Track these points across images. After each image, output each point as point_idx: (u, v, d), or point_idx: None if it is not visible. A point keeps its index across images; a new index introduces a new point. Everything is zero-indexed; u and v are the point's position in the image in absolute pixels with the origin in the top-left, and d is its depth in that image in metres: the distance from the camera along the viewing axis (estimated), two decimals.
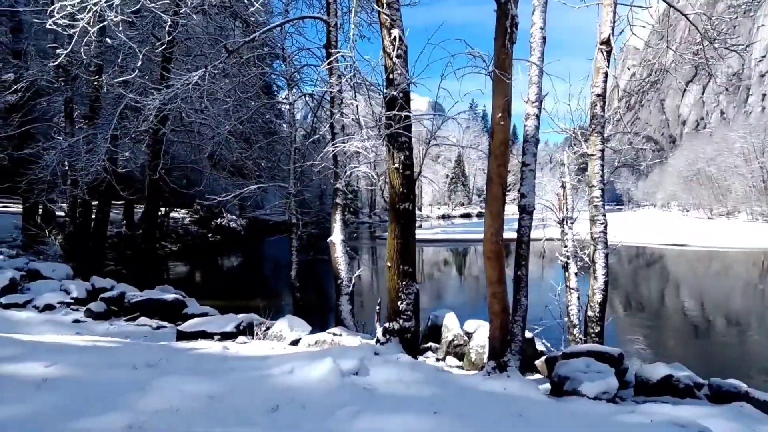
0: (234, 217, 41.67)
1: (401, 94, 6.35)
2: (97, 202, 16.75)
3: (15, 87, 15.83)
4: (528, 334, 8.45)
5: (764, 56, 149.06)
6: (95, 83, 15.03)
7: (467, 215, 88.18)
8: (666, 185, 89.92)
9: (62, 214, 18.91)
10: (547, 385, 6.32)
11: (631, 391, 6.45)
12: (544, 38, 6.57)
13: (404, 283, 6.44)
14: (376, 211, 79.45)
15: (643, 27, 9.68)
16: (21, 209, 20.32)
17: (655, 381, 6.16)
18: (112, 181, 12.82)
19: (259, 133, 14.32)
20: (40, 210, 19.42)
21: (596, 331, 7.81)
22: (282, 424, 3.86)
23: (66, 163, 13.50)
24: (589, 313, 7.91)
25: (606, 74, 8.30)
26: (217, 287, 22.30)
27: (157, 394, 4.21)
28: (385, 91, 6.49)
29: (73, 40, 6.81)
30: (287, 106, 11.81)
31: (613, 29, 8.46)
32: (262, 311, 9.87)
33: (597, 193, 8.13)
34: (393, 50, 6.36)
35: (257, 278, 23.61)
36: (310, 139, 10.01)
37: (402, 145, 6.39)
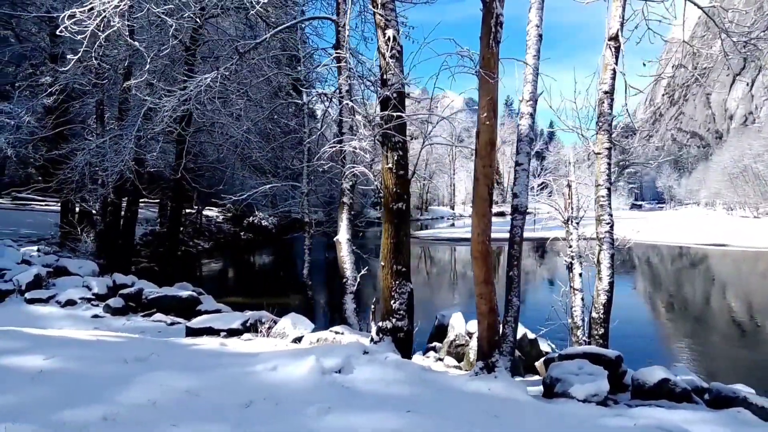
0: (266, 215, 42.64)
1: (395, 95, 6.37)
2: (126, 202, 17.41)
3: (50, 90, 16.58)
4: (531, 335, 8.40)
5: None
6: (124, 86, 15.59)
7: (501, 214, 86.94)
8: (710, 183, 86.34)
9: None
10: (541, 387, 6.25)
11: (628, 394, 6.30)
12: (540, 36, 6.48)
13: (397, 282, 6.47)
14: (430, 208, 79.62)
15: (659, 22, 9.40)
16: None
17: (652, 385, 6.00)
18: (135, 181, 13.25)
19: (280, 134, 14.56)
20: (77, 209, 20.28)
21: (600, 333, 7.66)
22: (252, 420, 3.96)
23: (93, 163, 14.04)
24: (594, 314, 7.77)
25: (614, 71, 8.11)
26: (241, 284, 22.82)
27: (139, 388, 4.38)
28: (379, 91, 6.53)
29: (94, 44, 7.08)
30: (310, 106, 12.03)
31: (622, 25, 8.28)
32: (276, 308, 10.07)
33: (603, 192, 7.97)
34: (387, 50, 6.39)
35: (280, 276, 23.97)
36: (309, 138, 10.11)
37: (395, 146, 6.42)
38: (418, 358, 7.85)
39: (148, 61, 13.58)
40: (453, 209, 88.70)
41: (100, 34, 7.78)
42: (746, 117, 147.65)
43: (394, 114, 6.22)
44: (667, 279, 25.32)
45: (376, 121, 6.56)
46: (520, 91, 6.51)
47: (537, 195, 9.42)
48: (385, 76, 6.48)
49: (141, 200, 31.53)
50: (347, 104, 8.29)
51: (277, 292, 16.81)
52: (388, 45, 6.40)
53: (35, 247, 16.66)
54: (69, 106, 17.56)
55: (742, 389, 6.17)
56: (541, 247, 33.11)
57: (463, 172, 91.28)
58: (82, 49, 7.03)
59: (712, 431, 4.86)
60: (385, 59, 6.42)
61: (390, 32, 6.39)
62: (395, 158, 6.41)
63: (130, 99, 16.32)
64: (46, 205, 32.89)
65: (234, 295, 17.10)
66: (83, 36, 7.07)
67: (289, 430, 3.83)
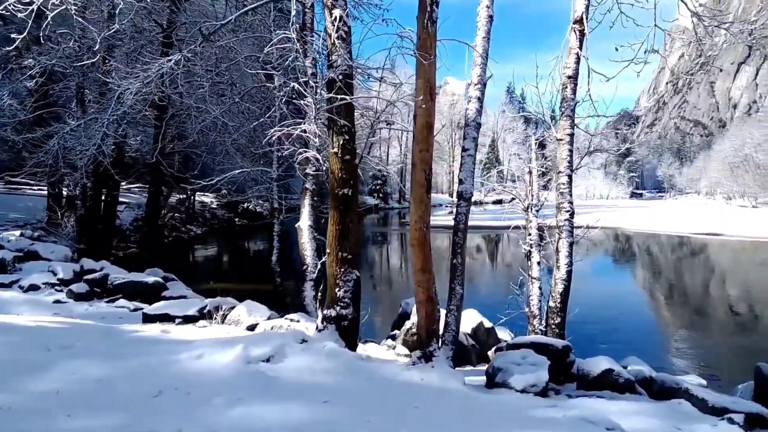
0: (256, 201, 42.53)
1: (340, 76, 6.18)
2: (107, 187, 17.28)
3: (30, 72, 16.37)
4: (487, 324, 8.30)
5: None
6: (104, 69, 15.38)
7: (500, 201, 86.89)
8: (710, 172, 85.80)
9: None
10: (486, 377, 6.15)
11: (575, 385, 6.20)
12: (491, 17, 6.28)
13: (343, 270, 6.33)
14: (407, 197, 79.31)
15: (632, 6, 9.15)
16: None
17: (596, 375, 5.90)
18: (108, 166, 13.12)
19: (254, 118, 14.37)
20: (65, 193, 20.20)
21: (557, 322, 7.55)
22: (154, 410, 3.86)
23: (68, 147, 13.90)
24: (551, 303, 7.66)
25: (578, 56, 7.90)
26: (227, 270, 22.81)
27: (50, 377, 4.29)
28: (324, 72, 6.35)
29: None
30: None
31: (587, 7, 8.04)
32: (248, 295, 10.01)
33: (564, 179, 7.80)
34: (333, 31, 6.18)
35: (265, 262, 23.95)
36: (279, 125, 9.91)
37: (341, 129, 6.24)
38: (372, 347, 7.76)
39: (125, 45, 13.44)
40: (452, 197, 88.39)
41: (48, 12, 7.64)
42: (750, 106, 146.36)
43: (338, 96, 6.04)
44: (660, 268, 25.22)
45: (322, 104, 6.39)
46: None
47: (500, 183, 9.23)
48: (331, 58, 6.29)
49: (136, 186, 31.39)
50: (302, 86, 8.09)
51: (261, 279, 16.76)
52: (334, 25, 6.19)
53: (18, 232, 16.60)
54: (49, 89, 17.39)
55: (687, 381, 6.07)
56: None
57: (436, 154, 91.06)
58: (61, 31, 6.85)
59: (642, 422, 4.77)
60: (331, 39, 6.23)
61: (337, 12, 6.17)
62: (341, 142, 6.24)
63: (109, 83, 16.13)
64: (39, 189, 32.82)
65: (219, 281, 17.05)
66: (26, 14, 6.91)
67: (189, 421, 3.72)
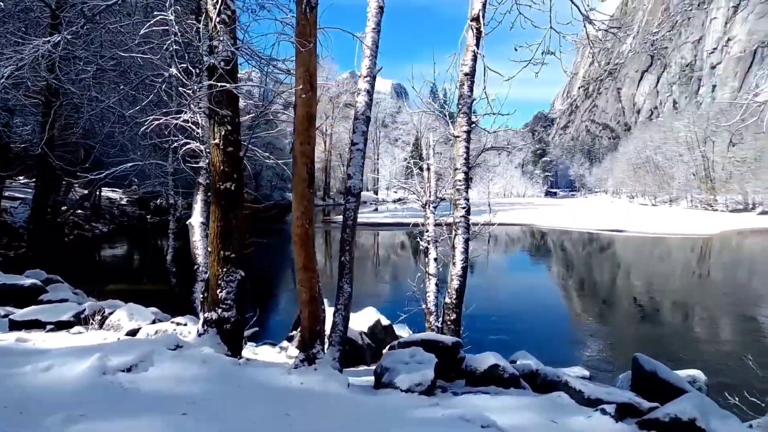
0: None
1: (222, 63, 5.80)
2: None
3: None
4: (385, 321, 8.19)
5: (716, 48, 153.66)
6: None
7: (440, 199, 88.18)
8: (616, 172, 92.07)
9: None
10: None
11: (463, 381, 6.20)
12: (381, 8, 6.12)
13: (225, 269, 5.96)
14: (331, 193, 78.81)
15: (529, 7, 9.35)
16: None
17: (482, 371, 5.92)
18: None
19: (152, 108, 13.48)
20: None
21: (452, 318, 7.56)
22: None
23: None
24: (447, 299, 7.66)
25: (475, 54, 7.93)
26: (126, 270, 21.44)
27: None
28: (205, 58, 5.93)
29: None
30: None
31: (484, 5, 8.09)
32: (139, 296, 9.32)
33: (460, 176, 7.82)
34: (215, 14, 5.79)
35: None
36: (158, 113, 9.30)
37: (223, 120, 5.86)
38: (265, 350, 7.44)
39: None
40: (377, 194, 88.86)
41: None
42: (652, 111, 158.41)
43: (219, 84, 5.65)
44: (567, 263, 26.49)
45: (202, 92, 5.96)
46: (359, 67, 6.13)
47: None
48: (212, 42, 5.89)
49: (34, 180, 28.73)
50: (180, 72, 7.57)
51: (161, 279, 15.84)
52: (215, 8, 5.81)
53: None
54: None
55: (569, 373, 6.24)
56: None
57: (387, 157, 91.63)
58: None
59: (520, 417, 4.81)
60: (212, 23, 5.82)
61: None
62: (222, 133, 5.85)
63: None
64: None
65: (118, 282, 15.94)
66: None
67: None
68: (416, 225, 8.68)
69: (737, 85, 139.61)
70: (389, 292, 15.51)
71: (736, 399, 6.80)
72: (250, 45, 6.91)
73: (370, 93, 5.94)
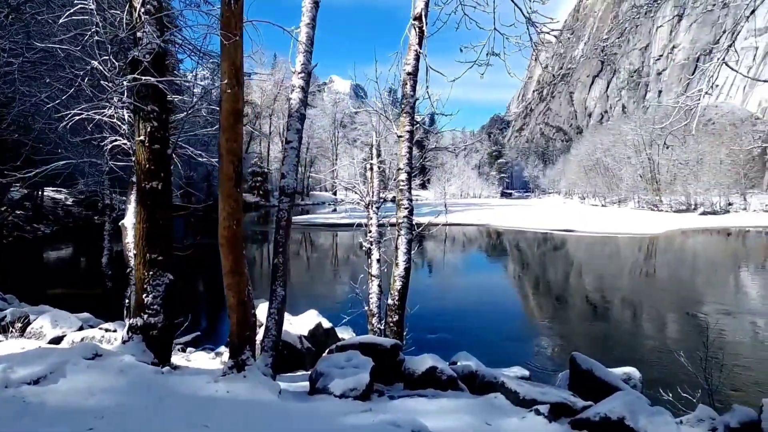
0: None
1: (147, 56, 5.50)
2: None
3: None
4: (326, 324, 8.02)
5: (661, 55, 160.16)
6: None
7: (383, 200, 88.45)
8: (568, 174, 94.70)
9: None
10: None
11: (402, 384, 6.09)
12: (317, 3, 5.95)
13: (152, 273, 5.66)
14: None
15: (474, 8, 9.36)
16: None
17: (420, 374, 5.84)
18: None
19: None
20: None
21: (395, 320, 7.46)
22: None
23: None
24: (389, 301, 7.55)
25: (417, 53, 7.86)
26: (67, 274, 20.41)
27: None
28: (131, 51, 5.61)
29: None
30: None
31: (426, 4, 8.03)
32: (77, 301, 8.81)
33: (403, 176, 7.73)
34: (139, 4, 5.50)
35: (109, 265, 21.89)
36: (79, 108, 8.86)
37: (149, 115, 5.56)
38: (199, 356, 7.15)
39: None
40: (335, 195, 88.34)
41: None
42: (602, 115, 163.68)
43: (143, 78, 5.36)
44: (519, 261, 26.94)
45: (125, 86, 5.64)
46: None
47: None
48: (138, 34, 5.58)
49: None
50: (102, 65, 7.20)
51: (97, 283, 15.13)
52: None
53: None
54: None
55: (508, 373, 6.24)
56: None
57: (346, 157, 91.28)
58: None
59: (455, 420, 4.75)
60: (136, 13, 5.52)
61: None
62: (148, 129, 5.56)
63: None
64: None
65: (56, 287, 15.13)
66: None
67: None
68: (360, 225, 8.55)
69: (681, 91, 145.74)
70: (336, 294, 15.33)
71: (670, 395, 6.96)
72: (184, 37, 6.58)
73: (304, 89, 5.76)
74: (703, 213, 52.26)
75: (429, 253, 30.44)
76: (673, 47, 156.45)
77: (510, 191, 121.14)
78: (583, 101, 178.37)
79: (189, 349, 7.94)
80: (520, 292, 18.66)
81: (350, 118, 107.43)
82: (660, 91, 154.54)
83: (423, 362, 5.90)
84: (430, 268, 24.32)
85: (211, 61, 6.77)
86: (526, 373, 7.17)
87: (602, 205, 73.69)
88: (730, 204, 53.56)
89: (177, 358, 6.72)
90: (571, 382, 6.63)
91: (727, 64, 6.89)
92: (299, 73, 5.76)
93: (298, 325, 7.59)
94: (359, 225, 8.55)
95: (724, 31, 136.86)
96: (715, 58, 5.96)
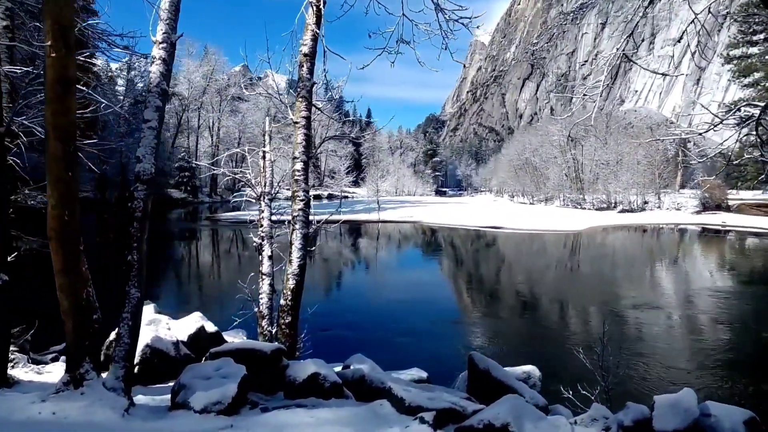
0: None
1: None
2: None
3: None
4: (211, 328, 7.32)
5: (586, 60, 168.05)
6: None
7: (317, 197, 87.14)
8: (499, 173, 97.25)
9: None
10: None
11: (282, 393, 5.52)
12: None
13: None
14: (219, 190, 75.23)
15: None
16: None
17: (302, 381, 5.28)
18: None
19: None
20: None
21: (287, 321, 6.85)
22: None
23: None
24: (282, 301, 6.93)
25: (315, 34, 7.28)
26: None
27: None
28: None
29: None
30: None
31: None
32: None
33: (299, 165, 7.14)
34: None
35: None
36: None
37: None
38: (59, 368, 6.23)
39: None
40: (309, 192, 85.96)
41: None
42: (532, 117, 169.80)
43: None
44: (445, 258, 26.95)
45: None
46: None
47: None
48: None
49: None
50: None
51: None
52: None
53: None
54: None
55: (402, 375, 5.81)
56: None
57: (279, 153, 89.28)
58: None
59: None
60: None
61: None
62: None
63: None
64: None
65: None
66: None
67: None
68: (251, 221, 7.87)
69: (604, 95, 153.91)
70: (234, 294, 14.21)
71: (571, 392, 6.78)
72: None
73: (166, 62, 5.04)
74: (622, 211, 54.92)
75: (357, 249, 29.99)
76: (597, 53, 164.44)
77: (444, 189, 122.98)
78: (515, 103, 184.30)
79: (53, 360, 7.00)
80: (440, 288, 18.41)
81: (282, 114, 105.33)
82: (585, 95, 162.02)
83: (305, 368, 5.34)
84: (353, 265, 23.85)
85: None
86: (424, 374, 6.77)
87: (530, 203, 76.07)
88: (645, 202, 56.57)
89: (23, 372, 5.82)
90: (469, 383, 6.30)
91: (628, 57, 6.83)
92: (161, 43, 5.03)
93: (178, 329, 6.82)
94: (251, 220, 7.86)
95: (643, 40, 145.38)
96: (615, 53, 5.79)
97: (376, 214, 48.07)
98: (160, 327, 6.60)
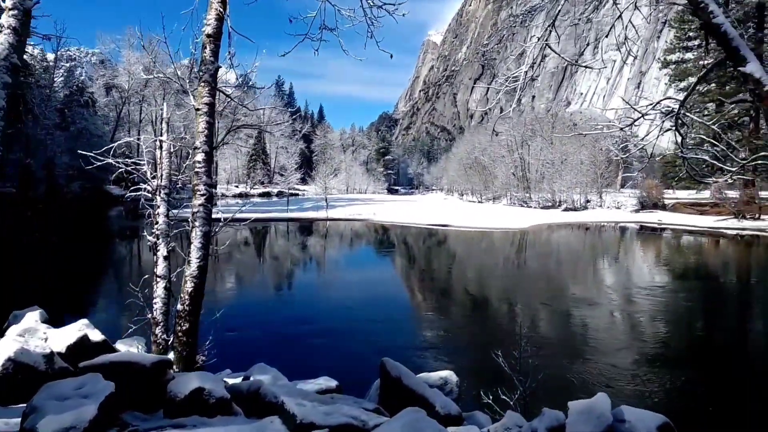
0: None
1: None
2: None
3: None
4: (97, 337, 6.57)
5: (535, 63, 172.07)
6: None
7: (267, 194, 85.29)
8: (450, 172, 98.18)
9: None
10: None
11: (162, 412, 4.90)
12: None
13: None
14: (177, 186, 72.16)
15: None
16: None
17: (183, 397, 4.69)
18: None
19: None
20: None
21: (185, 328, 6.22)
22: None
23: None
24: (179, 306, 6.30)
25: (219, 13, 6.66)
26: None
27: None
28: None
29: None
30: None
31: None
32: None
33: (200, 156, 6.50)
34: None
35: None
36: None
37: None
38: None
39: None
40: (216, 188, 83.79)
41: None
42: (482, 117, 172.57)
43: None
44: (387, 255, 26.58)
45: None
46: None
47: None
48: None
49: None
50: None
51: None
52: None
53: None
54: None
55: (304, 386, 5.30)
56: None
57: (229, 149, 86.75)
58: None
59: None
60: None
61: None
62: None
63: None
64: None
65: None
66: None
67: None
68: (148, 216, 7.15)
69: (551, 97, 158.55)
70: (120, 300, 13.08)
71: (491, 397, 6.46)
72: None
73: (17, 31, 4.32)
74: (566, 209, 56.29)
75: (302, 248, 29.23)
76: (545, 56, 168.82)
77: (396, 188, 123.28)
78: (466, 102, 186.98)
79: None
80: (375, 287, 17.63)
81: (231, 109, 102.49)
82: (533, 96, 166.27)
83: (188, 383, 4.75)
84: (292, 264, 23.12)
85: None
86: (333, 384, 6.26)
87: (479, 202, 77.07)
88: (588, 201, 58.19)
89: None
90: (381, 392, 5.85)
91: (549, 48, 6.62)
92: (11, 10, 4.32)
93: (55, 339, 6.06)
94: (148, 215, 7.14)
95: (588, 44, 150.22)
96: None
97: (324, 211, 47.37)
98: (33, 337, 5.82)
